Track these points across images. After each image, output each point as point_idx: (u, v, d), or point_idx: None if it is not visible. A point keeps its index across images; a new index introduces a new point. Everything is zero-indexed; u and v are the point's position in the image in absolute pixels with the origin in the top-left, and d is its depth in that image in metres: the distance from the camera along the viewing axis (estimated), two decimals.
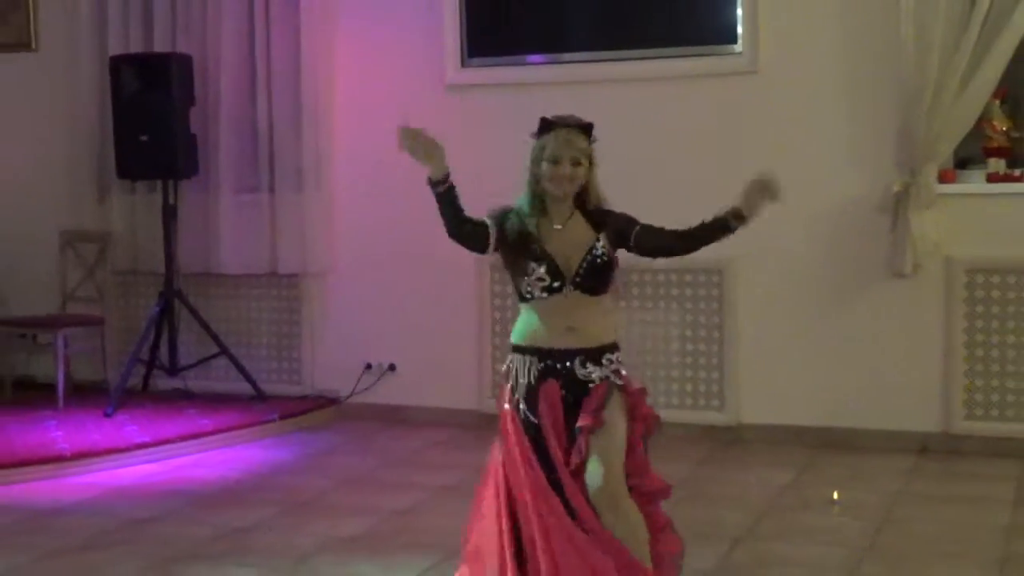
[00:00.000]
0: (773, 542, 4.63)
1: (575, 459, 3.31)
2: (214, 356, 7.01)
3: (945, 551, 4.49)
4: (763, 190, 3.44)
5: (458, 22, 6.70)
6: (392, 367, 6.92)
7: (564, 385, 3.37)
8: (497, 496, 3.41)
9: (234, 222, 7.06)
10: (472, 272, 6.57)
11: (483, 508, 3.48)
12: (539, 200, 3.40)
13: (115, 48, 7.18)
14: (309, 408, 6.91)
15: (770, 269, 6.11)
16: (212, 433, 6.34)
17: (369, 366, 6.95)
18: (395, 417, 6.85)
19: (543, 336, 3.39)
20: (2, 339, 7.36)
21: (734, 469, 5.80)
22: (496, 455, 3.46)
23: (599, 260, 3.37)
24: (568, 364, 3.37)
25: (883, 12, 5.84)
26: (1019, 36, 5.62)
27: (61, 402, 6.87)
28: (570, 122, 3.40)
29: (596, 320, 3.41)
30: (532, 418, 3.38)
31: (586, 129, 3.40)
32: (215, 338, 6.98)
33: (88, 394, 7.14)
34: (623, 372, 3.41)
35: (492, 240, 3.39)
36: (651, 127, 6.33)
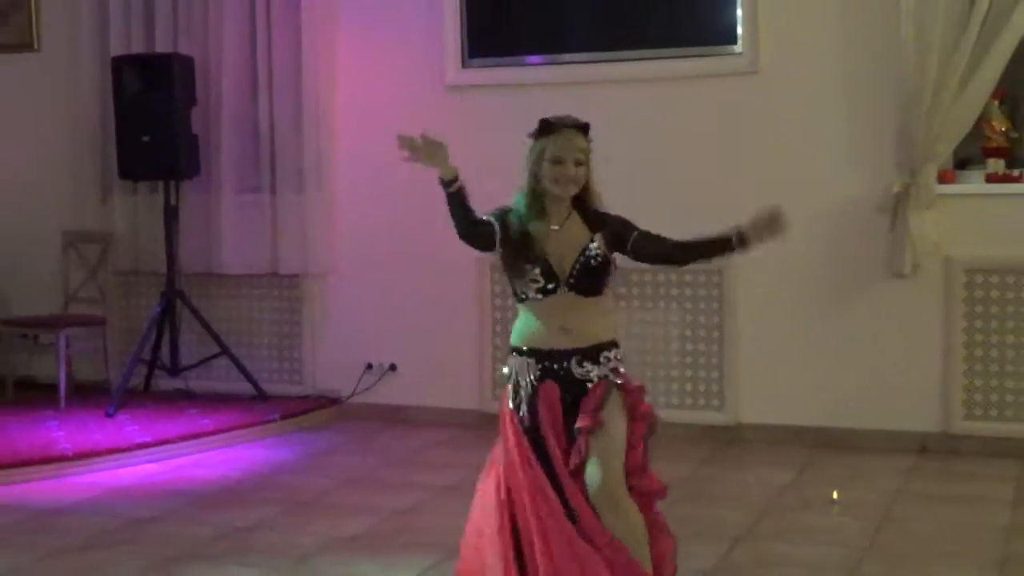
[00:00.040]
0: (773, 542, 4.64)
1: (575, 460, 3.32)
2: (215, 356, 7.02)
3: (945, 551, 4.50)
4: (772, 223, 3.36)
5: (458, 23, 6.71)
6: (393, 367, 6.94)
7: (562, 385, 3.38)
8: (498, 492, 3.41)
9: (235, 222, 7.07)
10: (473, 272, 6.58)
11: (484, 501, 3.48)
12: (539, 201, 3.41)
13: (117, 49, 7.19)
14: (310, 408, 6.92)
15: (770, 269, 6.12)
16: (213, 433, 6.35)
17: (370, 366, 6.96)
18: (396, 417, 6.86)
19: (540, 337, 3.40)
20: (4, 339, 7.37)
21: (734, 469, 5.80)
22: (497, 454, 3.48)
23: (593, 261, 3.38)
24: (565, 364, 3.38)
25: (883, 12, 5.85)
26: (1018, 36, 5.63)
27: (63, 402, 6.88)
28: (569, 122, 3.41)
29: (592, 320, 3.41)
30: (532, 419, 3.39)
31: (584, 129, 3.42)
32: (216, 338, 6.99)
33: (90, 394, 7.15)
34: (622, 370, 3.41)
35: (498, 240, 3.40)
36: (651, 128, 6.34)
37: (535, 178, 3.40)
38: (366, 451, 6.28)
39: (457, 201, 3.36)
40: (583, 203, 3.44)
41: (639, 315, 6.34)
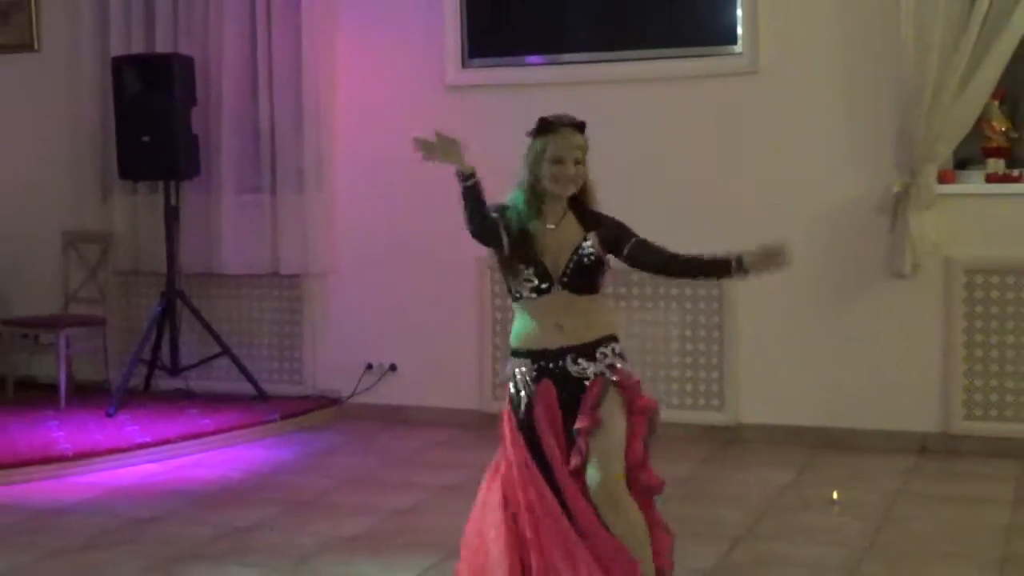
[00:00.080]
0: (773, 542, 4.64)
1: (575, 460, 3.32)
2: (216, 356, 7.02)
3: (945, 551, 4.50)
4: (775, 257, 3.34)
5: (458, 23, 6.71)
6: (393, 367, 6.94)
7: (559, 384, 3.38)
8: (500, 493, 3.42)
9: (236, 222, 7.08)
10: (473, 272, 6.58)
11: (486, 501, 3.48)
12: (537, 200, 3.41)
13: (117, 49, 7.19)
14: (310, 408, 6.92)
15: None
16: (213, 433, 6.35)
17: (370, 366, 6.96)
18: (396, 417, 6.86)
19: (536, 337, 3.40)
20: (4, 339, 7.38)
21: (734, 469, 5.80)
22: (501, 455, 3.48)
23: (586, 259, 3.38)
24: (560, 363, 3.38)
25: (883, 12, 5.85)
26: (1018, 37, 5.63)
27: (63, 402, 6.89)
28: (567, 121, 3.42)
29: (586, 317, 3.40)
30: (529, 419, 3.39)
31: (581, 128, 3.43)
32: (217, 338, 6.99)
33: (90, 394, 7.16)
34: (619, 365, 3.40)
35: (504, 238, 3.39)
36: (651, 128, 6.34)
37: (534, 177, 3.40)
38: (366, 451, 6.28)
39: (473, 196, 3.33)
40: (578, 202, 3.45)
41: (639, 315, 6.34)
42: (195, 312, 7.03)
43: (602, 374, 3.37)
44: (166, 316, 7.03)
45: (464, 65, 6.75)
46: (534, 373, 3.40)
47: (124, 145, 6.94)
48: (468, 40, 6.74)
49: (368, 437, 6.55)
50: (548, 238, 3.40)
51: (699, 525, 4.70)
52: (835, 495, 5.18)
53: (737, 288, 6.19)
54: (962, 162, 6.09)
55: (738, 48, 6.22)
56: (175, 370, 7.09)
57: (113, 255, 7.32)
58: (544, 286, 3.37)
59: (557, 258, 3.38)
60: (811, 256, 6.08)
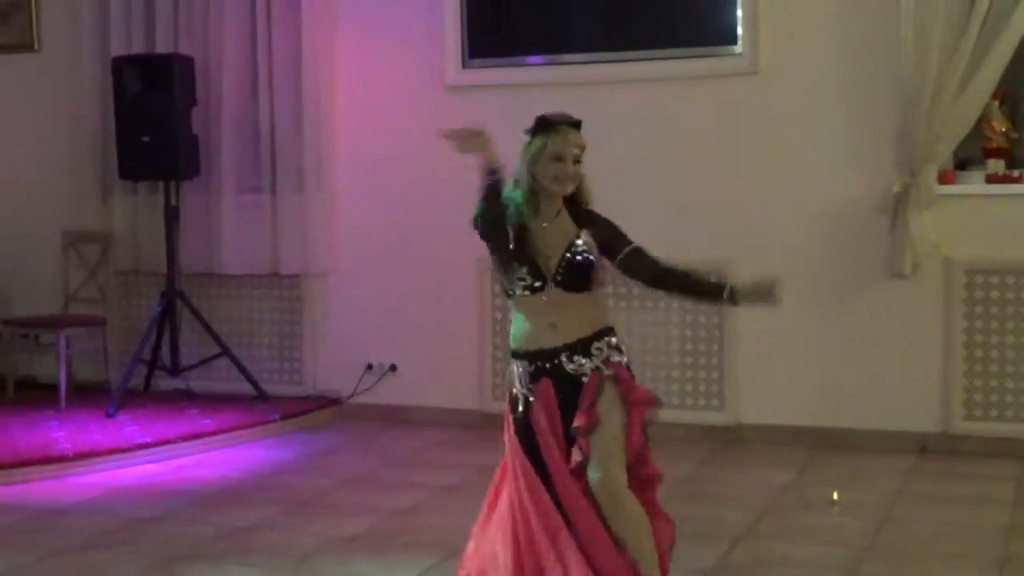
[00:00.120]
0: (773, 542, 4.64)
1: (576, 459, 3.32)
2: (216, 356, 7.02)
3: (945, 551, 4.50)
4: (767, 293, 3.35)
5: (459, 23, 6.72)
6: (393, 367, 6.94)
7: (556, 383, 3.37)
8: (509, 490, 3.42)
9: (236, 223, 7.08)
10: (472, 272, 6.58)
11: (494, 502, 3.49)
12: (536, 198, 3.41)
13: (117, 49, 7.20)
14: (310, 408, 6.93)
15: (770, 269, 6.10)
16: (214, 433, 6.35)
17: (370, 366, 6.96)
18: (396, 417, 6.86)
19: (531, 336, 3.40)
20: (5, 339, 7.38)
21: (734, 469, 5.81)
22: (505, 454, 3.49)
23: (579, 257, 3.38)
24: (556, 361, 3.38)
25: (883, 13, 5.85)
26: (1018, 37, 5.63)
27: (63, 402, 6.89)
28: (565, 120, 3.42)
29: (580, 314, 3.40)
30: (527, 419, 3.39)
31: (578, 126, 3.43)
32: (217, 338, 6.99)
33: (90, 394, 7.16)
34: (615, 359, 3.39)
35: (512, 238, 3.38)
36: (651, 128, 6.34)
37: (534, 176, 3.40)
38: (366, 451, 6.28)
39: (494, 192, 3.31)
40: (573, 201, 3.45)
41: (639, 315, 6.34)
42: (195, 312, 7.04)
43: (598, 369, 3.37)
44: (166, 316, 7.03)
45: (464, 65, 6.75)
46: (531, 372, 3.40)
47: (124, 145, 6.94)
48: (468, 40, 6.74)
49: (368, 437, 6.55)
50: (542, 236, 3.39)
51: (699, 525, 4.70)
52: (835, 495, 5.18)
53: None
54: (962, 162, 6.09)
55: (738, 48, 6.23)
56: (175, 370, 7.10)
57: (113, 255, 7.33)
58: (538, 284, 3.37)
59: (550, 257, 3.38)
60: (811, 256, 6.10)
